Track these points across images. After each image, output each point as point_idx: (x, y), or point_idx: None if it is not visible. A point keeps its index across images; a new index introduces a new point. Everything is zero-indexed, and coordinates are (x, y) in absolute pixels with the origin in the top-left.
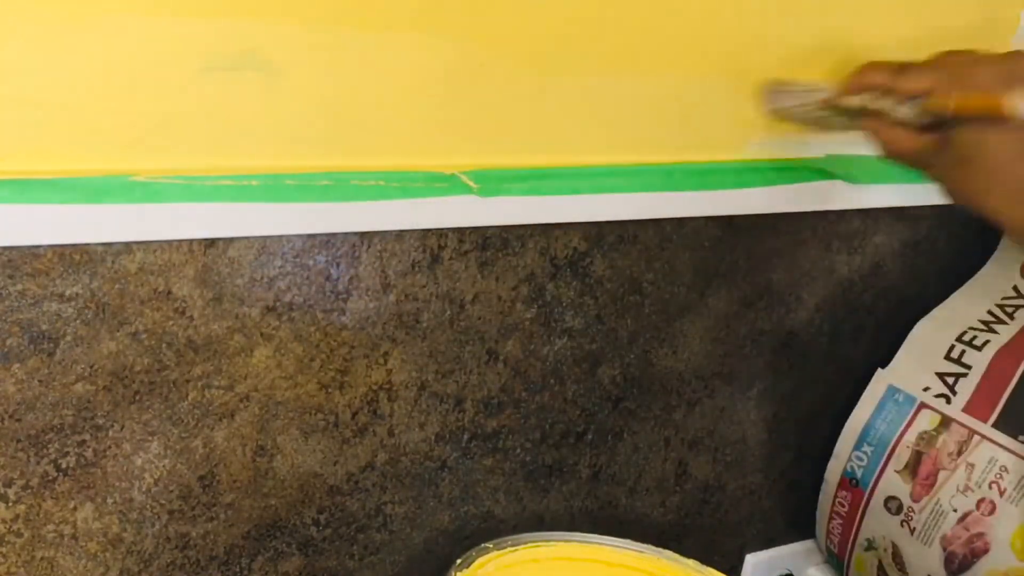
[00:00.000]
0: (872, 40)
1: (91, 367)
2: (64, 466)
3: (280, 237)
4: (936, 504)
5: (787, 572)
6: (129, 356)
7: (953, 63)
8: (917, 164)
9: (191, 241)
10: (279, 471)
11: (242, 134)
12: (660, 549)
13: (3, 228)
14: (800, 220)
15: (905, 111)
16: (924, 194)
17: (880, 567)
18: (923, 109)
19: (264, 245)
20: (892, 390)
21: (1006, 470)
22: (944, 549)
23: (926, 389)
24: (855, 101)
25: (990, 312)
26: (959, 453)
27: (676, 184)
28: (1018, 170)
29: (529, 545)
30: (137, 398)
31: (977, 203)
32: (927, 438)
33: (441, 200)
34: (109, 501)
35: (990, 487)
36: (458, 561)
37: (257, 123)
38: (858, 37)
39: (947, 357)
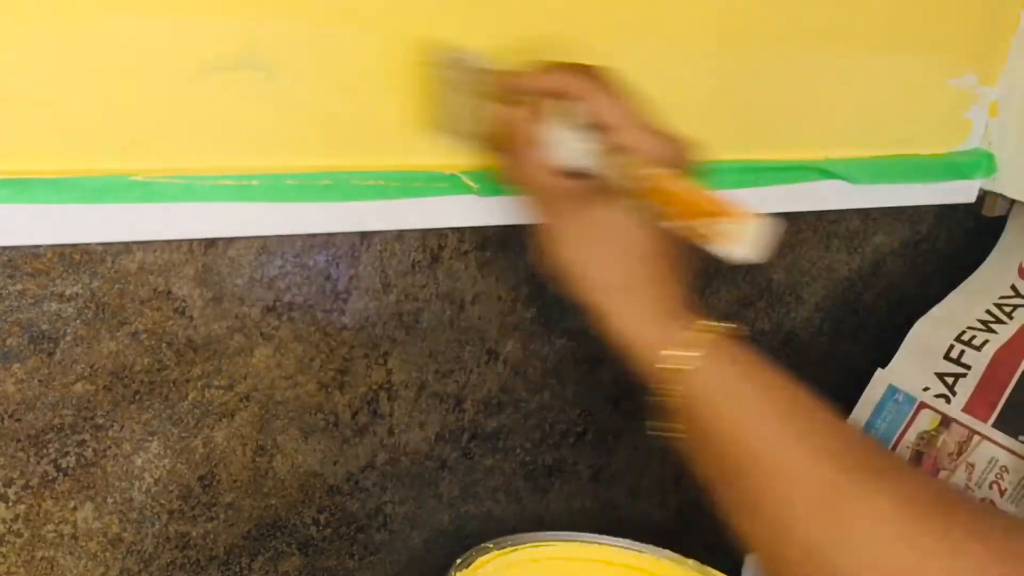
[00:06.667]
0: (869, 38)
1: (91, 367)
2: (64, 466)
3: (280, 237)
4: None
5: None
6: (129, 356)
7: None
8: (526, 187)
9: (191, 241)
10: (279, 471)
11: (242, 134)
12: (660, 549)
13: (3, 228)
14: (800, 220)
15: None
16: (924, 194)
17: None
18: (622, 172)
19: (264, 245)
20: (892, 390)
21: (1006, 470)
22: None
23: (926, 389)
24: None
25: (988, 312)
26: (959, 453)
27: None
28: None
29: (529, 545)
30: (137, 398)
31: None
32: (927, 438)
33: (441, 200)
34: (109, 501)
35: (990, 487)
36: (458, 561)
37: (257, 123)
38: (853, 34)
39: (946, 357)
